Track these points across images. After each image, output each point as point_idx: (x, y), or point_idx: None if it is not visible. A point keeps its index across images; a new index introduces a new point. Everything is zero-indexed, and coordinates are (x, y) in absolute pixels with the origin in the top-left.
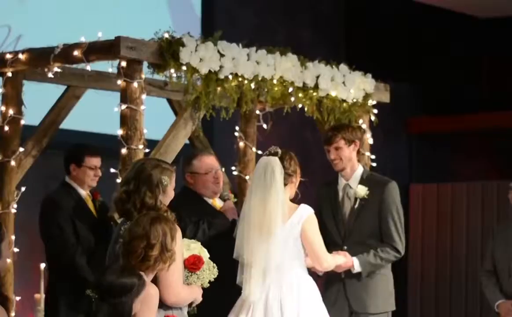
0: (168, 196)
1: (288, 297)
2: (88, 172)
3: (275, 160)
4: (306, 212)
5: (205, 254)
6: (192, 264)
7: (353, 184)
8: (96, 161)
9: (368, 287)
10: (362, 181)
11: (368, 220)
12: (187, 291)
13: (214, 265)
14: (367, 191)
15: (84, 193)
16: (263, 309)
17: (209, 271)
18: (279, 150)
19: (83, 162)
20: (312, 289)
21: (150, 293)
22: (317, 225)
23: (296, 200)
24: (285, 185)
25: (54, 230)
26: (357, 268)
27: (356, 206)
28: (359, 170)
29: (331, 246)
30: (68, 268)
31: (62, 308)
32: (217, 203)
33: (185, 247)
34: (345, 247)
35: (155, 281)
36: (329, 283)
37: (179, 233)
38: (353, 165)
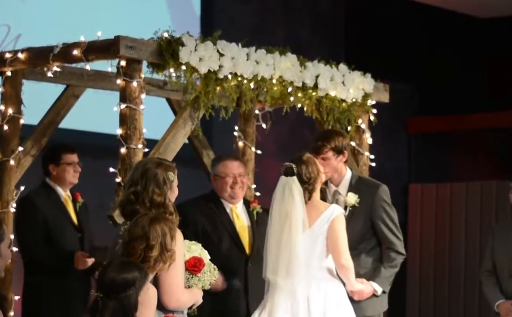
0: (174, 192)
1: (316, 295)
2: (67, 169)
3: (293, 180)
4: (337, 211)
5: (205, 255)
6: (193, 266)
7: (342, 190)
8: (73, 157)
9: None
10: (351, 187)
11: (359, 227)
12: (188, 295)
13: (215, 266)
14: (357, 199)
15: (63, 193)
16: (290, 304)
17: (210, 273)
18: (294, 167)
19: (61, 160)
20: (339, 289)
21: (149, 293)
22: (344, 225)
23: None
24: (314, 191)
25: (23, 228)
26: (379, 290)
27: (347, 213)
28: (348, 174)
29: None
30: (34, 266)
31: (41, 304)
32: (237, 211)
33: (186, 249)
34: None
35: (156, 284)
36: None
37: (180, 236)
38: (340, 172)
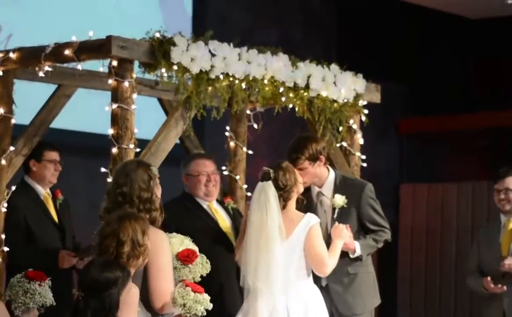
0: (159, 189)
1: (295, 305)
2: (48, 166)
3: (269, 185)
4: (313, 220)
5: (196, 250)
6: (186, 257)
7: (326, 191)
8: (55, 155)
9: (353, 289)
10: (337, 188)
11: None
12: None
13: (208, 260)
14: (345, 200)
15: (43, 191)
16: (269, 312)
17: (202, 266)
18: (271, 172)
19: (42, 156)
20: (318, 299)
21: (131, 291)
22: (321, 233)
23: (300, 206)
24: (289, 199)
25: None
26: (358, 251)
27: (335, 216)
28: (331, 176)
29: None
30: (16, 267)
31: None
32: (214, 207)
33: (179, 243)
34: None
35: (144, 287)
36: None
37: (166, 239)
38: (320, 176)
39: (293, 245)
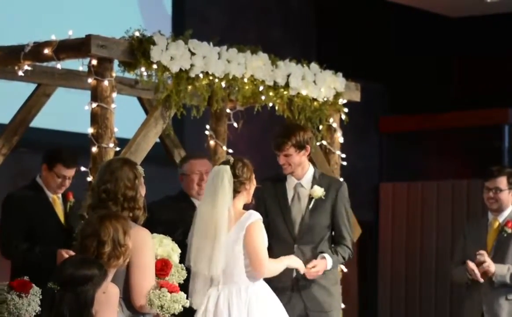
0: (143, 188)
1: (236, 299)
2: (55, 179)
3: (226, 168)
4: (253, 217)
5: (176, 249)
6: (160, 270)
7: (305, 183)
8: (67, 172)
9: (322, 286)
10: (315, 182)
11: (321, 220)
12: None
13: (183, 266)
14: (324, 192)
15: (51, 194)
16: (212, 311)
17: (178, 274)
18: (231, 159)
19: (54, 167)
20: (263, 293)
21: (110, 291)
22: (262, 231)
23: (251, 206)
24: (238, 192)
25: (4, 226)
26: (329, 266)
27: (311, 206)
28: (310, 170)
29: (282, 245)
30: (20, 267)
31: None
32: None
33: (158, 243)
34: (296, 246)
35: (127, 285)
36: (282, 283)
37: (149, 238)
38: (303, 166)
39: (232, 241)
